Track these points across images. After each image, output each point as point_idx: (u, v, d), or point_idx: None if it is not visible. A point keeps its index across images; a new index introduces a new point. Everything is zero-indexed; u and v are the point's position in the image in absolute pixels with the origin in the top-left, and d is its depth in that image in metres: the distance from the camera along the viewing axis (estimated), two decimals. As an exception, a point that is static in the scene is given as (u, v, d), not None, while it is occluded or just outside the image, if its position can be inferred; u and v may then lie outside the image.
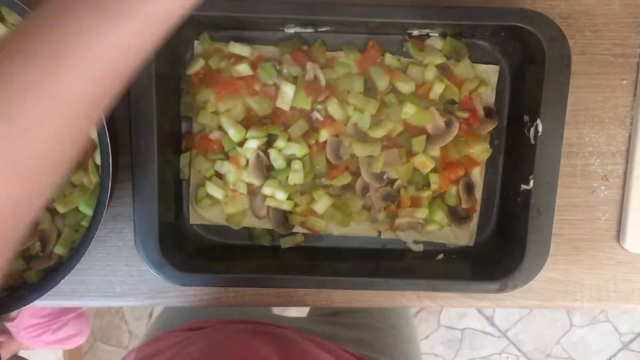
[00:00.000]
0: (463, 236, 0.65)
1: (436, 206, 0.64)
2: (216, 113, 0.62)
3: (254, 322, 0.71)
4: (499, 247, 0.63)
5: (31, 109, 0.33)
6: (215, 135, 0.62)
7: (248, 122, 0.62)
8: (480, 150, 0.63)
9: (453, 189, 0.64)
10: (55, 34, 0.33)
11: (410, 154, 0.63)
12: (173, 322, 0.77)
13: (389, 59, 0.61)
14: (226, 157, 0.62)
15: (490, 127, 0.62)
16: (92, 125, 0.37)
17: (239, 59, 0.61)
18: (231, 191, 0.63)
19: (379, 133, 0.61)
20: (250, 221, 0.65)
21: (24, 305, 0.56)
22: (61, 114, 0.34)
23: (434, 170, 0.63)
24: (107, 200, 0.53)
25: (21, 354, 1.16)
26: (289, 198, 0.62)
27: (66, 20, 0.33)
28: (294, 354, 0.60)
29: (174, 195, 0.62)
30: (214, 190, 0.63)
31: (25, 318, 1.10)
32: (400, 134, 0.62)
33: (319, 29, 0.61)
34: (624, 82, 0.63)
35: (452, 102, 0.62)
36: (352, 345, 0.70)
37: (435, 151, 0.62)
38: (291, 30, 0.60)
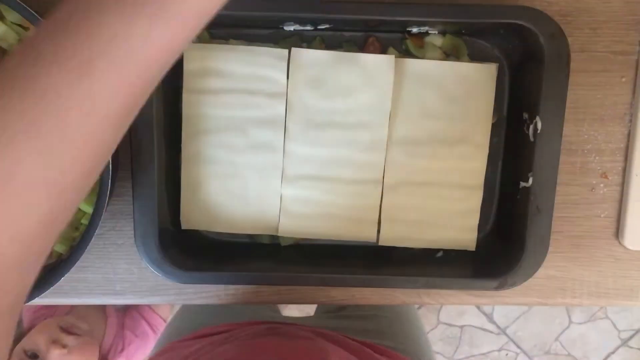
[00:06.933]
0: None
1: (435, 204, 0.64)
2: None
3: (270, 323, 0.70)
4: (498, 244, 0.64)
5: (61, 119, 0.29)
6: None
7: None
8: (480, 148, 0.63)
9: (452, 187, 0.64)
10: (84, 36, 0.29)
11: (409, 151, 0.63)
12: (181, 332, 0.77)
13: (389, 56, 0.61)
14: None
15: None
16: (121, 135, 0.34)
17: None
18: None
19: (378, 131, 0.61)
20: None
21: (24, 302, 0.56)
22: (93, 125, 0.30)
23: (433, 168, 0.63)
24: (107, 198, 0.53)
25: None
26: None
27: (96, 21, 0.29)
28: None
29: (174, 193, 0.62)
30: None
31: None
32: (399, 132, 0.62)
33: (319, 27, 0.60)
34: (623, 79, 0.63)
35: (452, 99, 0.62)
36: (360, 336, 0.70)
37: (435, 149, 0.62)
38: (290, 28, 0.60)
